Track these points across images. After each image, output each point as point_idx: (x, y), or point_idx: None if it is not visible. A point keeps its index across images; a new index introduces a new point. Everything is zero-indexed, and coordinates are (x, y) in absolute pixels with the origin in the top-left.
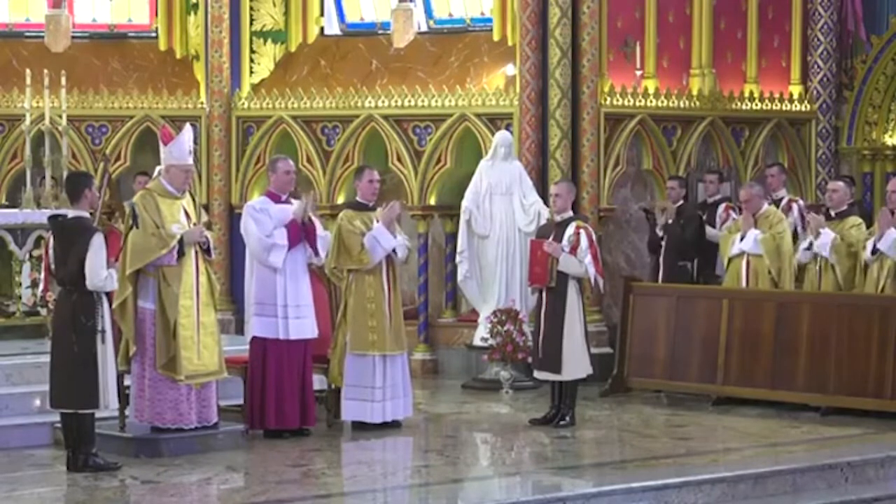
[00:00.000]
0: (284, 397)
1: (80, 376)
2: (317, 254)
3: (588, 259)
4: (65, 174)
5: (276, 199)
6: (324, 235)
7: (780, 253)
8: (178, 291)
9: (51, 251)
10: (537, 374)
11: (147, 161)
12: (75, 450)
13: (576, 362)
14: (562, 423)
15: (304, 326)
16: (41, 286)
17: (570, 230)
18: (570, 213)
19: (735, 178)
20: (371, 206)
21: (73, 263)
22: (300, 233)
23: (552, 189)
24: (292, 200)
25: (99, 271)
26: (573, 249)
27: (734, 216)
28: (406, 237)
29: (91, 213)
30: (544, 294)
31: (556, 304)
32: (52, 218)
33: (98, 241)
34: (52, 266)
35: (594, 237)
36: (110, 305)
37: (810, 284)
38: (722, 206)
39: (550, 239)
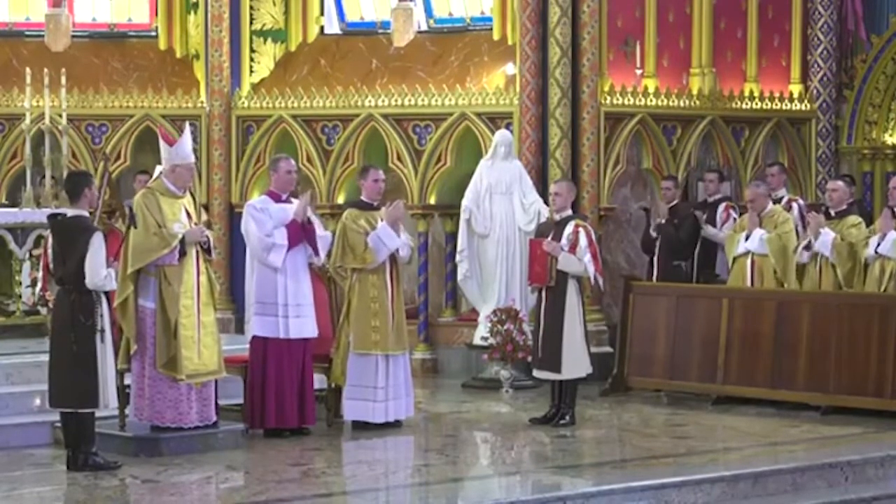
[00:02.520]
0: (284, 396)
1: (79, 375)
2: (317, 254)
3: (587, 258)
4: (65, 173)
5: (277, 198)
6: (324, 235)
7: (785, 253)
8: (179, 291)
9: (49, 250)
10: (537, 374)
11: (147, 160)
12: (75, 449)
13: (576, 361)
14: (562, 422)
15: (304, 326)
16: (39, 285)
17: (569, 229)
18: (570, 212)
19: (735, 178)
20: (375, 206)
21: (73, 263)
22: (300, 232)
23: (552, 188)
24: (293, 200)
25: (98, 270)
26: (572, 248)
27: (734, 215)
28: (409, 237)
29: (91, 213)
30: (544, 293)
31: (556, 304)
32: (51, 217)
33: (97, 241)
34: (51, 265)
35: (593, 236)
36: (109, 305)
37: (811, 284)
38: (722, 206)
39: (549, 238)
